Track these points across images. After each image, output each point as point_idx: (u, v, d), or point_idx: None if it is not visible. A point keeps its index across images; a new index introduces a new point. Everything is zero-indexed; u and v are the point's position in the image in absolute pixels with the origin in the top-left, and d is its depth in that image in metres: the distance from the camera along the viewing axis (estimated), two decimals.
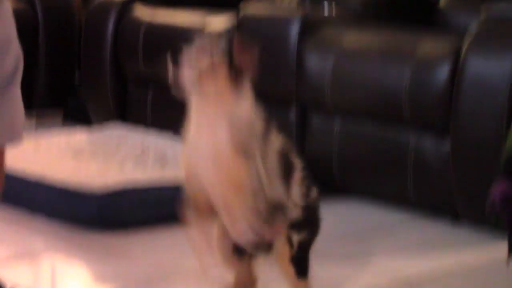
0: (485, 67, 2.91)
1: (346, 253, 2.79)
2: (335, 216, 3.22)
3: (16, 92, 2.17)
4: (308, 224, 2.23)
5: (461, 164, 2.99)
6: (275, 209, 2.15)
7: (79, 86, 4.58)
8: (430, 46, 3.11)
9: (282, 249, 2.20)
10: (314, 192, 2.27)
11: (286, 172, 2.19)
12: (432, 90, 3.04)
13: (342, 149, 3.35)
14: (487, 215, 2.61)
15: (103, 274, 2.65)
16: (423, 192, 3.16)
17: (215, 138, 2.12)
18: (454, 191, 3.02)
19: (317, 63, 3.40)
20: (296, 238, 2.19)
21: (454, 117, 2.99)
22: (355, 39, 3.35)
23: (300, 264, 2.22)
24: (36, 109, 4.74)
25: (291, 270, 2.21)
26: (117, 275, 2.61)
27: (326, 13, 3.60)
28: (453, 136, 3.00)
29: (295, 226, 2.19)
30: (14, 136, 2.25)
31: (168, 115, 4.02)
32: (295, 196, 2.19)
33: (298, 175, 2.22)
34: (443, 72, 3.02)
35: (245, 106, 2.20)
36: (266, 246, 2.20)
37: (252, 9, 3.73)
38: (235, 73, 2.16)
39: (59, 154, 3.58)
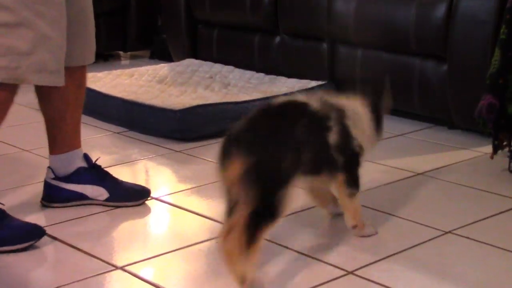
0: (473, 4, 2.84)
1: (367, 155, 2.79)
2: None
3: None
4: None
5: (456, 82, 2.95)
6: None
7: (162, 29, 4.59)
8: None
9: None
10: None
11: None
12: (433, 24, 2.98)
13: (363, 73, 3.31)
14: (476, 122, 2.60)
15: (184, 175, 2.66)
16: (425, 105, 3.13)
17: None
18: (450, 104, 2.99)
19: (343, 5, 3.33)
20: None
21: (450, 45, 2.93)
22: None
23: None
24: (129, 49, 4.78)
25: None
26: (195, 177, 2.62)
27: None
28: (449, 60, 2.95)
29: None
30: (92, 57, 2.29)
31: (230, 51, 4.04)
32: None
33: None
34: (441, 10, 2.95)
35: None
36: None
37: None
38: None
39: (148, 82, 3.62)
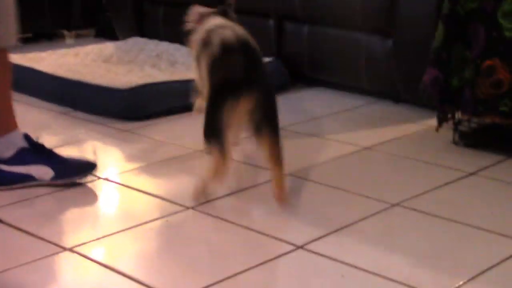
0: None
1: (313, 132, 2.81)
2: (305, 102, 3.24)
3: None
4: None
5: (401, 56, 2.98)
6: None
7: (106, 7, 4.52)
8: None
9: None
10: None
11: None
12: (378, 0, 3.01)
13: (310, 49, 3.32)
14: (421, 95, 2.63)
15: (132, 154, 2.64)
16: (372, 80, 3.15)
17: None
18: (396, 78, 3.02)
19: None
20: None
21: (395, 20, 2.96)
22: None
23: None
24: (73, 27, 4.70)
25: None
26: (143, 156, 2.60)
27: None
28: (394, 35, 2.98)
29: None
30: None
31: (176, 28, 3.98)
32: None
33: None
34: None
35: None
36: None
37: None
38: None
39: (93, 61, 3.57)
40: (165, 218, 2.07)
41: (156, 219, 2.07)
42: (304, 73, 3.40)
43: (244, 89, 2.08)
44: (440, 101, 2.58)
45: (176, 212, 2.10)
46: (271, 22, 3.44)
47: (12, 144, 2.25)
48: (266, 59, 3.38)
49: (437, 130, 2.61)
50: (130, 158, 2.61)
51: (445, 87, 2.53)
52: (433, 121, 2.67)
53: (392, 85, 3.05)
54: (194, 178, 2.29)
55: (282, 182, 2.14)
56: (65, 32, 4.81)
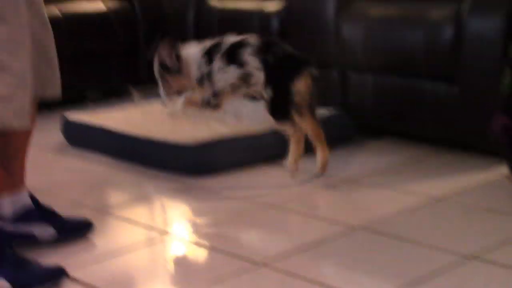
0: (481, 25, 2.84)
1: (382, 183, 2.78)
2: (372, 153, 3.21)
3: None
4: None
5: (468, 103, 2.94)
6: None
7: None
8: (437, 12, 3.03)
9: None
10: None
11: None
12: (441, 46, 2.97)
13: (374, 99, 3.30)
14: (490, 143, 2.59)
15: (201, 210, 2.65)
16: (438, 128, 3.11)
17: None
18: (463, 125, 2.97)
19: (351, 32, 3.34)
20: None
21: (460, 66, 2.93)
22: (379, 10, 3.28)
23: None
24: (141, 84, 4.80)
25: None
26: (212, 211, 2.60)
27: None
28: (460, 82, 2.95)
29: None
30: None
31: None
32: None
33: None
34: (448, 32, 2.94)
35: None
36: None
37: None
38: None
39: (160, 117, 3.62)
40: (236, 274, 2.06)
41: (227, 275, 2.07)
42: (370, 123, 3.38)
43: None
44: (511, 149, 2.52)
45: (247, 268, 2.09)
46: (335, 73, 3.45)
47: (18, 203, 2.28)
48: (332, 111, 3.39)
49: (509, 178, 2.56)
50: (200, 213, 2.63)
51: None
52: (504, 169, 2.62)
53: (460, 132, 3.00)
54: (265, 232, 2.29)
55: (326, 157, 2.85)
56: (133, 89, 4.92)
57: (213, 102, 2.89)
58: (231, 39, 2.86)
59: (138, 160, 3.21)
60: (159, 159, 3.12)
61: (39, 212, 2.31)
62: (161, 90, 2.99)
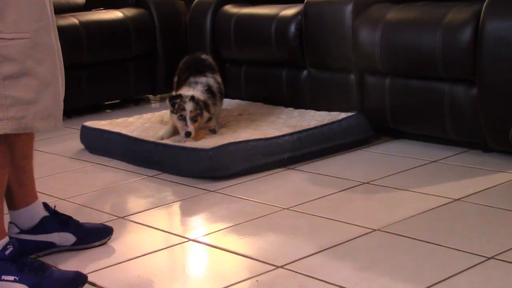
0: (500, 27, 2.81)
1: (402, 185, 2.76)
2: (391, 155, 3.20)
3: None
4: None
5: (487, 105, 2.91)
6: None
7: None
8: (454, 14, 3.01)
9: None
10: None
11: None
12: (459, 48, 2.95)
13: (392, 101, 3.29)
14: (510, 144, 2.57)
15: (219, 215, 2.65)
16: (458, 130, 3.09)
17: None
18: (483, 127, 2.95)
19: (368, 35, 3.33)
20: None
21: (478, 68, 2.90)
22: (396, 14, 3.27)
23: None
24: (158, 91, 4.83)
25: None
26: (230, 215, 2.61)
27: None
28: (479, 84, 2.93)
29: None
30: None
31: (258, 87, 4.05)
32: None
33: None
34: (467, 34, 2.93)
35: None
36: None
37: None
38: None
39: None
40: (255, 278, 2.06)
41: (246, 279, 2.07)
42: (388, 126, 3.37)
43: None
44: None
45: (266, 272, 2.09)
46: (352, 76, 3.45)
47: (35, 214, 2.30)
48: (349, 114, 3.39)
49: None
50: (218, 218, 2.63)
51: None
52: None
53: (480, 134, 2.98)
54: (284, 235, 2.29)
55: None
56: (151, 97, 4.95)
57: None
58: None
59: (155, 166, 3.23)
60: (176, 164, 3.14)
61: (57, 220, 2.32)
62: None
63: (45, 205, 2.34)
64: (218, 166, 3.02)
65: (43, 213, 2.31)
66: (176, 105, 3.27)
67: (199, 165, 3.05)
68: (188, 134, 3.24)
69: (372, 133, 3.39)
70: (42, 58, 1.98)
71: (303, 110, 3.61)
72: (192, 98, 3.30)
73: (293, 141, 3.16)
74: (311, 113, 3.56)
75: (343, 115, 3.41)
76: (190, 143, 3.18)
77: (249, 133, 3.31)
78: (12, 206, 2.28)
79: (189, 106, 3.26)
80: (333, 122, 3.32)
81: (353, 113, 3.40)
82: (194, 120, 3.26)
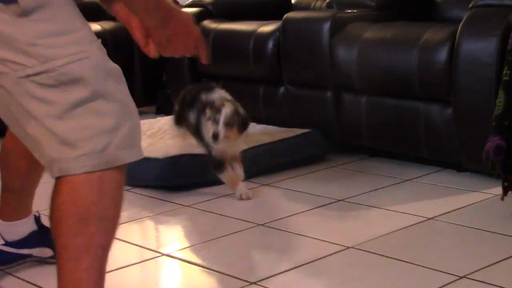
0: (475, 48, 2.84)
1: (376, 203, 2.78)
2: (366, 173, 3.22)
3: None
4: None
5: (462, 125, 2.94)
6: None
7: (166, 84, 4.63)
8: (431, 34, 3.05)
9: None
10: None
11: None
12: (435, 69, 2.99)
13: (368, 119, 3.31)
14: (484, 164, 2.59)
15: (192, 230, 2.66)
16: (433, 149, 3.11)
17: None
18: (458, 146, 2.98)
19: (345, 53, 3.35)
20: None
21: (454, 88, 2.94)
22: (373, 33, 3.30)
23: None
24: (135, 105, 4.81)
25: None
26: (203, 231, 2.62)
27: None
28: (454, 104, 2.95)
29: None
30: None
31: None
32: None
33: None
34: (442, 54, 2.96)
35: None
36: None
37: (293, 14, 3.72)
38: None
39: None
40: None
41: None
42: (364, 144, 3.40)
43: None
44: (504, 170, 2.53)
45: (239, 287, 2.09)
46: (329, 93, 3.47)
47: (24, 229, 2.27)
48: (304, 131, 3.45)
49: (502, 199, 2.56)
50: (192, 233, 2.63)
51: (509, 155, 2.49)
52: (498, 189, 2.62)
53: (454, 154, 3.01)
54: (257, 251, 2.29)
55: None
56: None
57: None
58: None
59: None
60: (138, 174, 3.12)
61: (40, 233, 2.29)
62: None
63: (36, 217, 2.30)
64: (168, 176, 3.07)
65: (33, 227, 2.28)
66: (209, 110, 2.87)
67: (148, 174, 3.08)
68: (215, 136, 2.79)
69: (327, 149, 3.45)
70: (113, 74, 1.56)
71: (264, 126, 3.62)
72: (233, 102, 2.94)
73: (246, 157, 3.14)
74: (270, 128, 3.58)
75: (299, 131, 3.43)
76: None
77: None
78: (4, 216, 2.24)
79: (227, 109, 2.84)
80: (288, 138, 3.38)
81: (309, 130, 3.45)
82: (229, 124, 2.83)
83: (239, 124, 2.84)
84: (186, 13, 1.59)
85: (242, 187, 2.93)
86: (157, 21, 1.53)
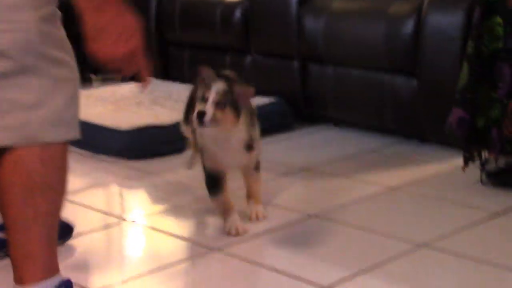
0: (441, 20, 2.87)
1: (339, 172, 2.81)
2: (331, 142, 3.25)
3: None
4: None
5: (426, 97, 2.98)
6: None
7: None
8: (398, 6, 3.06)
9: None
10: None
11: None
12: (401, 40, 3.01)
13: (334, 90, 3.33)
14: (447, 135, 2.63)
15: (156, 196, 2.66)
16: (397, 120, 3.15)
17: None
18: (421, 118, 3.02)
19: (312, 24, 3.36)
20: None
21: (419, 60, 2.97)
22: (341, 4, 3.30)
23: None
24: (101, 72, 4.76)
25: None
26: (167, 197, 2.62)
27: None
28: (419, 76, 2.99)
29: None
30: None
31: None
32: None
33: None
34: (409, 27, 2.97)
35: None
36: None
37: None
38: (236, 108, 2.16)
39: (102, 103, 3.64)
40: (190, 259, 2.08)
41: (182, 260, 2.08)
42: (329, 114, 3.42)
43: None
44: (466, 141, 2.57)
45: (202, 254, 2.11)
46: (295, 63, 3.47)
47: None
48: (268, 100, 3.45)
49: (463, 170, 2.60)
50: (155, 199, 2.63)
51: (471, 127, 2.53)
52: (459, 161, 2.66)
53: (418, 125, 3.05)
54: (218, 219, 2.30)
55: None
56: (93, 77, 4.88)
57: None
58: None
59: (88, 147, 3.20)
60: (101, 143, 3.15)
61: None
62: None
63: None
64: (134, 147, 3.07)
65: None
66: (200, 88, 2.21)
67: (116, 144, 3.09)
68: (201, 115, 2.08)
69: (291, 120, 3.47)
70: (49, 52, 1.57)
71: None
72: (227, 78, 2.27)
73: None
74: None
75: (265, 100, 3.44)
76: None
77: (174, 114, 3.19)
78: None
79: (219, 85, 2.15)
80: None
81: (275, 99, 3.46)
82: (220, 104, 2.12)
83: (235, 105, 2.15)
84: (134, 15, 1.54)
85: (236, 219, 2.28)
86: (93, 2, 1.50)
